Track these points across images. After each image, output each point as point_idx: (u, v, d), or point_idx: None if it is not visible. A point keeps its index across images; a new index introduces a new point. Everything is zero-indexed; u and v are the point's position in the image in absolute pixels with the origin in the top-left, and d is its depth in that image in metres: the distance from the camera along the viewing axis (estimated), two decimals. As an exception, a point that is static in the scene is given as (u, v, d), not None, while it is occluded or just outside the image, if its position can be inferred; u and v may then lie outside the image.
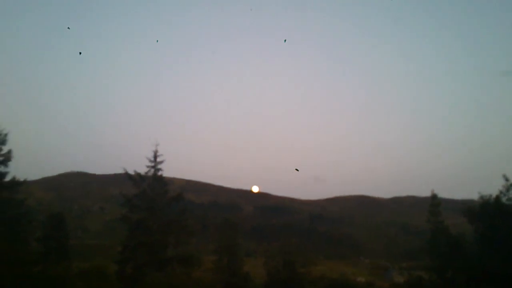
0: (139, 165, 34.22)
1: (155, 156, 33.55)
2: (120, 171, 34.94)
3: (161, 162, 33.65)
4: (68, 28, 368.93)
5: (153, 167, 33.48)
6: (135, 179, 33.24)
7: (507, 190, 20.68)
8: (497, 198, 20.32)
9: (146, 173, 33.46)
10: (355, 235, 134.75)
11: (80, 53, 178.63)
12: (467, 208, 20.88)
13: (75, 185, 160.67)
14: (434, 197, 24.98)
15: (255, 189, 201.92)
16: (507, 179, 20.94)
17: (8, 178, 33.38)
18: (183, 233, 32.99)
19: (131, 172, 33.65)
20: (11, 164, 33.24)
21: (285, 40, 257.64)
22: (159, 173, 33.49)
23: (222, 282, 41.95)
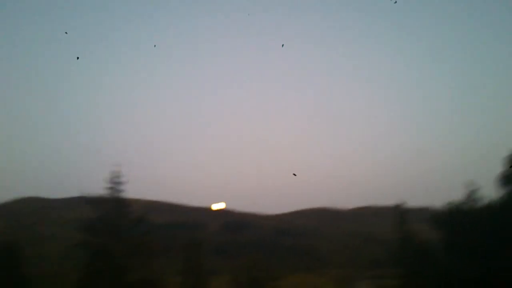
0: (95, 188, 33.23)
1: (117, 177, 32.65)
2: (75, 194, 33.72)
3: (122, 183, 32.79)
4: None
5: (113, 188, 32.52)
6: (95, 201, 32.13)
7: (472, 195, 21.49)
8: (463, 204, 21.07)
9: (106, 195, 32.44)
10: (320, 247, 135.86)
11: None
12: (433, 215, 21.46)
13: (30, 211, 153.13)
14: (400, 205, 25.56)
15: (217, 206, 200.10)
16: (471, 184, 21.82)
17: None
18: (148, 256, 32.10)
19: (89, 194, 32.56)
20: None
21: (283, 45, 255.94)
22: (121, 194, 32.58)
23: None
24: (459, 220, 19.87)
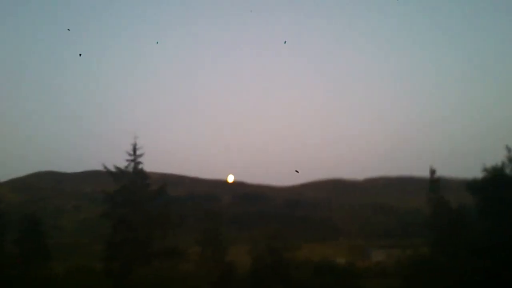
0: (112, 161, 33.44)
1: (135, 149, 32.75)
2: (91, 168, 33.99)
3: (141, 155, 32.92)
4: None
5: (133, 160, 32.69)
6: (116, 174, 32.35)
7: (510, 161, 21.02)
8: (501, 169, 20.66)
9: (126, 167, 32.64)
10: (332, 218, 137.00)
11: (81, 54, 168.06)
12: (469, 182, 21.14)
13: (46, 185, 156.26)
14: (432, 172, 25.23)
15: (231, 178, 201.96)
16: (510, 150, 21.28)
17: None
18: (168, 227, 32.52)
19: (110, 167, 32.81)
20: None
21: (285, 42, 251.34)
22: (140, 166, 32.75)
23: (208, 272, 41.81)
24: (498, 184, 19.54)
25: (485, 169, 20.47)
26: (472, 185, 20.78)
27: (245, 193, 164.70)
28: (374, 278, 64.38)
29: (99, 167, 35.25)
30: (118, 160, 34.09)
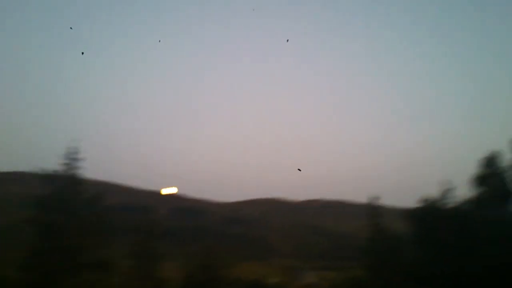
0: (48, 163, 31.58)
1: (71, 153, 31.13)
2: (24, 169, 31.68)
3: (78, 159, 31.34)
4: None
5: (68, 164, 31.03)
6: (48, 177, 30.51)
7: (448, 193, 22.49)
8: (438, 200, 21.99)
9: (60, 171, 30.89)
10: (268, 237, 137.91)
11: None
12: (405, 210, 22.22)
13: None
14: (374, 199, 26.32)
15: (170, 190, 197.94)
16: (446, 183, 22.80)
17: None
18: (101, 237, 31.02)
19: (41, 169, 30.90)
20: None
21: (287, 40, 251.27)
22: (75, 171, 31.14)
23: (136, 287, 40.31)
24: (431, 216, 20.75)
25: (422, 200, 21.77)
26: (408, 214, 21.96)
27: (182, 206, 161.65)
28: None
29: (28, 169, 33.21)
30: (54, 162, 32.21)
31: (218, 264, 47.29)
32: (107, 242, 31.54)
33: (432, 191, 26.11)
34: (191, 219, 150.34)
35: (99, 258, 29.81)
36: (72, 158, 31.02)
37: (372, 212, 24.53)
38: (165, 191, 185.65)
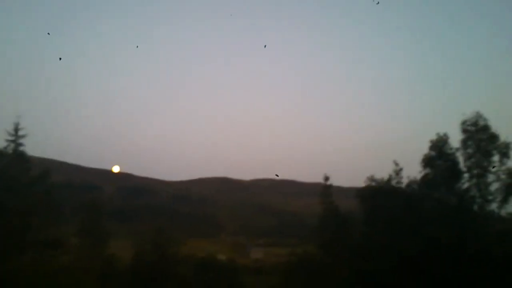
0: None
1: (16, 129, 29.73)
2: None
3: (23, 136, 30.00)
4: None
5: (13, 141, 29.66)
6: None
7: (397, 174, 23.86)
8: (388, 180, 23.34)
9: (5, 148, 29.50)
10: (217, 215, 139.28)
11: None
12: (358, 189, 23.48)
13: None
14: (326, 178, 27.35)
15: (116, 169, 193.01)
16: (397, 164, 24.18)
17: None
18: (48, 215, 30.17)
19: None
20: None
21: (265, 46, 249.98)
22: (21, 148, 29.86)
23: (89, 265, 39.72)
24: (380, 195, 22.06)
25: (372, 179, 23.14)
26: (360, 193, 23.31)
27: (130, 185, 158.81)
28: (253, 275, 67.30)
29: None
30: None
31: (168, 242, 47.35)
32: (55, 220, 30.71)
33: (383, 172, 27.75)
34: (139, 197, 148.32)
35: (47, 236, 29.07)
36: (16, 135, 29.65)
37: (324, 191, 25.71)
38: (115, 169, 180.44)
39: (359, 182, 24.91)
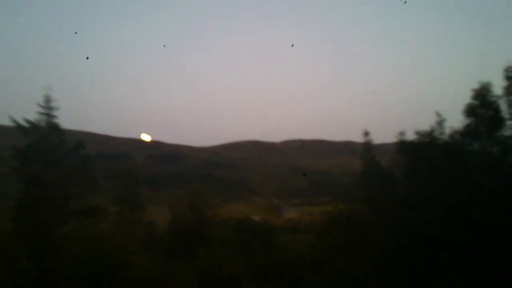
0: (25, 114, 30.20)
1: (48, 102, 29.78)
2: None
3: (55, 108, 30.07)
4: None
5: (46, 114, 29.80)
6: (27, 128, 29.36)
7: (439, 125, 22.81)
8: (431, 132, 22.36)
9: (38, 121, 29.71)
10: (250, 178, 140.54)
11: None
12: (400, 143, 22.61)
13: None
14: (366, 134, 26.47)
15: (146, 137, 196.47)
16: (439, 115, 23.07)
17: None
18: (85, 185, 30.64)
19: (18, 121, 29.67)
20: None
21: (292, 45, 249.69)
22: (54, 120, 30.00)
23: (131, 232, 40.82)
24: (424, 148, 21.17)
25: (416, 132, 22.15)
26: (402, 147, 22.40)
27: (161, 152, 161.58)
28: (289, 234, 68.07)
29: (3, 121, 31.81)
30: (27, 113, 30.80)
31: (205, 205, 47.97)
32: (92, 190, 31.20)
33: (424, 125, 26.45)
34: (170, 164, 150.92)
35: (86, 205, 29.67)
36: (49, 107, 29.77)
37: (365, 147, 24.90)
38: (143, 137, 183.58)
39: (396, 138, 23.85)
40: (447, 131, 22.23)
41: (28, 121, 29.32)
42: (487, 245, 18.17)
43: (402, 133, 23.47)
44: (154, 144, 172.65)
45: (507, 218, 18.64)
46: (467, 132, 22.20)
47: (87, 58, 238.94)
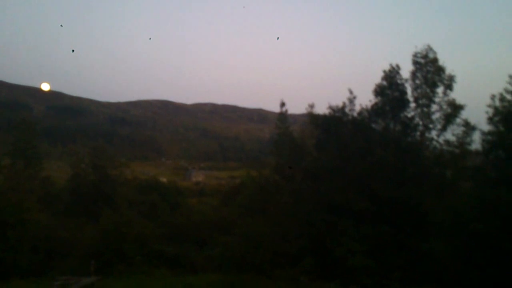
0: None
1: None
2: None
3: None
4: None
5: None
6: None
7: (351, 102, 23.94)
8: (342, 108, 23.42)
9: None
10: (158, 138, 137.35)
11: None
12: (313, 116, 23.46)
13: None
14: (282, 104, 26.97)
15: (46, 86, 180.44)
16: (351, 92, 24.19)
17: None
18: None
19: None
20: None
21: (278, 38, 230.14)
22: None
23: (24, 187, 37.76)
24: (333, 122, 22.30)
25: (329, 107, 23.31)
26: (313, 119, 23.49)
27: (62, 104, 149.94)
28: (196, 197, 68.50)
29: None
30: None
31: (109, 163, 45.84)
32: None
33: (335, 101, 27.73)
34: (72, 118, 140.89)
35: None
36: None
37: (280, 117, 25.69)
38: (45, 87, 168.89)
39: (306, 110, 25.04)
40: (358, 108, 23.81)
41: None
42: (382, 215, 20.14)
43: (311, 106, 24.67)
44: (55, 95, 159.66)
45: (402, 191, 20.73)
46: (374, 110, 23.94)
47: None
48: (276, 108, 29.29)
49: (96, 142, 66.70)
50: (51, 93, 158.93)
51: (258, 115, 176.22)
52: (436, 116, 24.91)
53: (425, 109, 25.31)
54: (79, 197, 41.67)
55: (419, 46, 25.16)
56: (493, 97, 20.14)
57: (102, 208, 30.63)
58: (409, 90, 25.03)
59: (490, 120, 20.13)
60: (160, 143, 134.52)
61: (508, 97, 19.98)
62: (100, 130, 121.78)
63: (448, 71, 24.59)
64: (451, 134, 23.91)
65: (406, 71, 25.09)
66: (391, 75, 24.67)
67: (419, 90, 25.25)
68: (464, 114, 23.92)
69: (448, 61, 25.88)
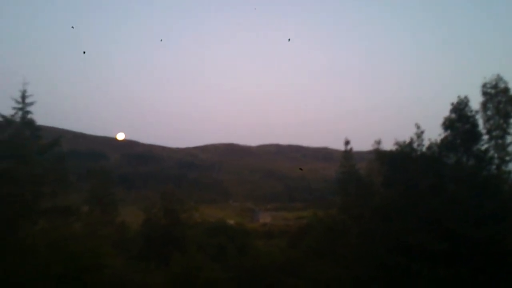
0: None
1: (23, 97, 28.88)
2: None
3: (31, 103, 29.19)
4: None
5: (21, 109, 28.90)
6: (0, 122, 28.40)
7: (418, 137, 23.43)
8: (410, 143, 22.91)
9: (12, 116, 28.78)
10: (224, 181, 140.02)
11: None
12: (379, 152, 23.07)
13: None
14: (347, 142, 26.95)
15: (120, 136, 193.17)
16: (418, 127, 23.69)
17: None
18: (59, 184, 29.80)
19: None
20: None
21: (289, 39, 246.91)
22: (29, 116, 29.11)
23: (99, 232, 39.92)
24: (401, 159, 21.70)
25: (396, 143, 22.76)
26: (380, 156, 22.97)
27: (135, 152, 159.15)
28: (264, 239, 68.12)
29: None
30: (1, 108, 29.78)
31: (179, 208, 47.45)
32: (64, 188, 30.34)
33: (403, 136, 27.16)
34: (144, 164, 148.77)
35: (58, 204, 28.83)
36: (23, 102, 28.89)
37: (345, 155, 25.36)
38: (119, 136, 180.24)
39: (372, 146, 24.48)
40: (426, 143, 22.97)
41: (1, 116, 28.42)
42: (460, 256, 18.76)
43: (377, 142, 24.16)
44: (128, 143, 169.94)
45: (480, 230, 19.31)
46: (444, 145, 22.95)
47: (84, 52, 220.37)
48: (341, 146, 29.02)
49: (166, 186, 69.42)
50: (125, 142, 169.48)
51: (323, 154, 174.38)
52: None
53: (499, 141, 23.90)
54: (151, 241, 43.25)
55: (488, 76, 24.11)
56: None
57: (172, 251, 31.45)
58: (480, 122, 23.82)
59: None
60: (227, 185, 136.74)
61: None
62: (170, 175, 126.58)
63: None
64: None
65: (474, 102, 24.04)
66: (460, 107, 23.71)
67: (491, 122, 24.00)
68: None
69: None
